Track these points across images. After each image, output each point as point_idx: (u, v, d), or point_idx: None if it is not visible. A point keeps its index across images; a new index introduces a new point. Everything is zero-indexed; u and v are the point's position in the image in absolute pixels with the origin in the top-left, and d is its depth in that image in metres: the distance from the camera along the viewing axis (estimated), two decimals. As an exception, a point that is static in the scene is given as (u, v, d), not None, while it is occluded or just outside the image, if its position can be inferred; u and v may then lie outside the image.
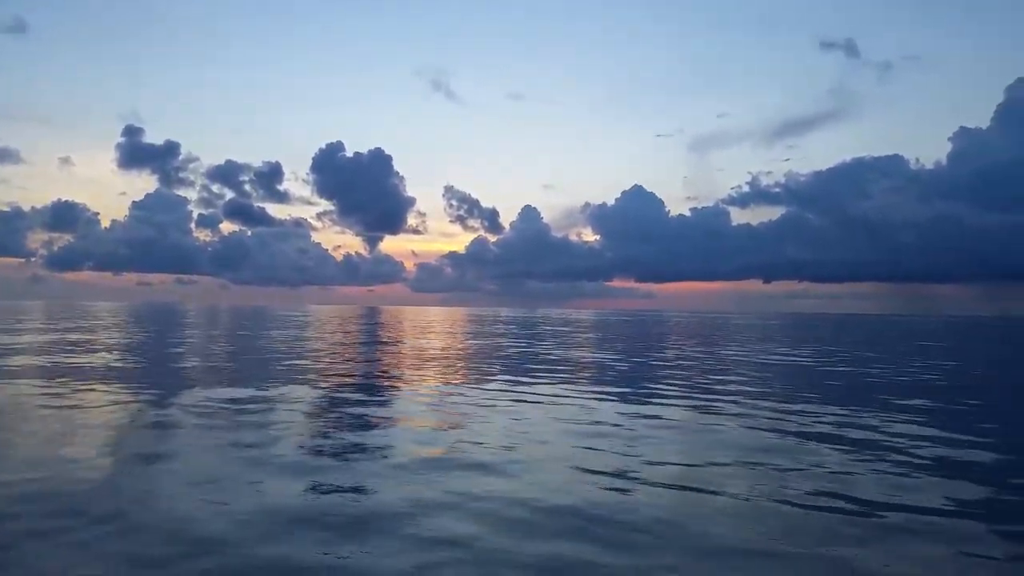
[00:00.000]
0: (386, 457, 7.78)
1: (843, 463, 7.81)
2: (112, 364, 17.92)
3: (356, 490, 6.39)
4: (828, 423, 10.46)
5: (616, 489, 6.61)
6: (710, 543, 5.15)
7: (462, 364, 20.00)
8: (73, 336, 29.88)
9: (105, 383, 13.85)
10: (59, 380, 14.16)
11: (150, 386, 13.55)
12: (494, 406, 11.71)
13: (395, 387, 14.22)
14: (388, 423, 9.99)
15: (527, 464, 7.54)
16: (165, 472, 6.96)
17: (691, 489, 6.65)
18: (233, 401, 11.75)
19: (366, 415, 10.63)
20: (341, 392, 13.28)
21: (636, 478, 7.01)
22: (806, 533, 5.42)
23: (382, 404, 11.88)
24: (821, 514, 5.91)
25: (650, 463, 7.68)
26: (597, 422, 10.29)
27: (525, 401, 12.33)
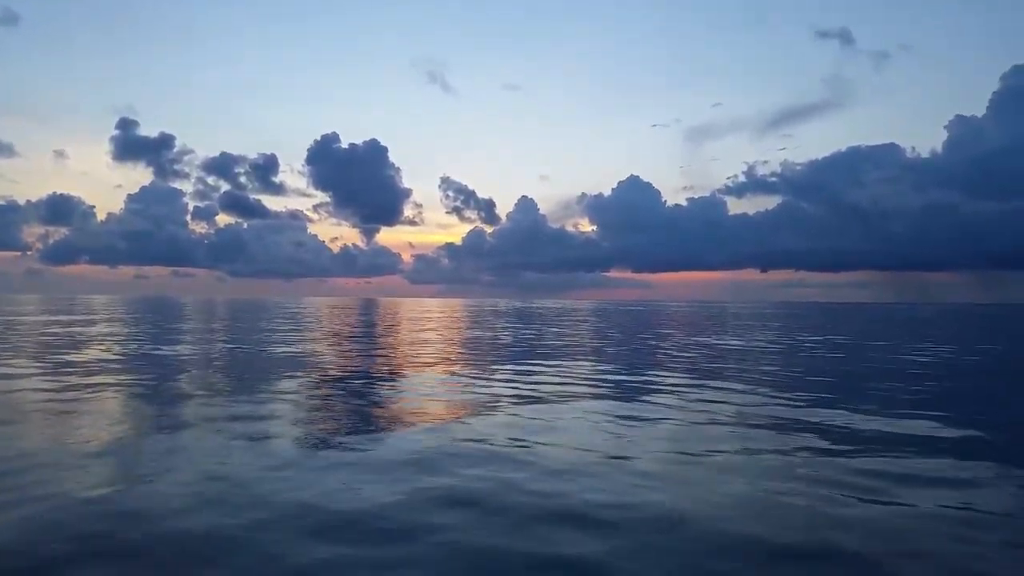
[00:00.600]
0: (376, 442, 7.84)
1: (824, 445, 7.91)
2: (103, 356, 17.94)
3: (340, 477, 6.46)
4: (814, 407, 10.55)
5: (595, 467, 6.69)
6: (685, 523, 5.23)
7: (457, 353, 20.07)
8: (67, 329, 29.85)
9: (95, 376, 13.88)
10: (49, 371, 14.19)
11: (140, 377, 13.58)
12: (488, 394, 11.78)
13: (387, 377, 14.27)
14: (379, 412, 10.06)
15: (522, 448, 7.62)
16: (140, 455, 7.00)
17: (671, 466, 6.73)
18: (226, 391, 11.80)
19: (358, 405, 10.69)
20: (334, 382, 13.33)
21: (623, 457, 7.10)
22: (782, 512, 5.50)
23: (373, 394, 11.94)
24: (798, 494, 5.98)
25: (634, 443, 7.77)
26: (581, 398, 10.37)
27: (517, 386, 12.41)
